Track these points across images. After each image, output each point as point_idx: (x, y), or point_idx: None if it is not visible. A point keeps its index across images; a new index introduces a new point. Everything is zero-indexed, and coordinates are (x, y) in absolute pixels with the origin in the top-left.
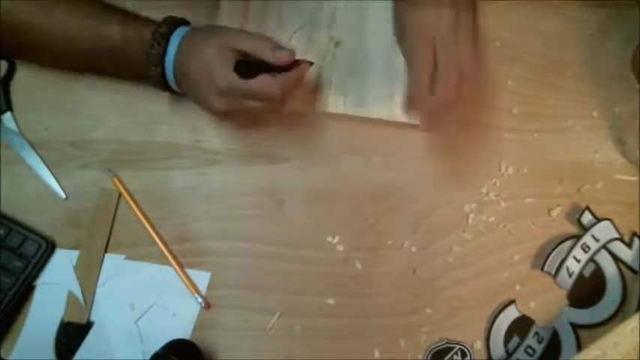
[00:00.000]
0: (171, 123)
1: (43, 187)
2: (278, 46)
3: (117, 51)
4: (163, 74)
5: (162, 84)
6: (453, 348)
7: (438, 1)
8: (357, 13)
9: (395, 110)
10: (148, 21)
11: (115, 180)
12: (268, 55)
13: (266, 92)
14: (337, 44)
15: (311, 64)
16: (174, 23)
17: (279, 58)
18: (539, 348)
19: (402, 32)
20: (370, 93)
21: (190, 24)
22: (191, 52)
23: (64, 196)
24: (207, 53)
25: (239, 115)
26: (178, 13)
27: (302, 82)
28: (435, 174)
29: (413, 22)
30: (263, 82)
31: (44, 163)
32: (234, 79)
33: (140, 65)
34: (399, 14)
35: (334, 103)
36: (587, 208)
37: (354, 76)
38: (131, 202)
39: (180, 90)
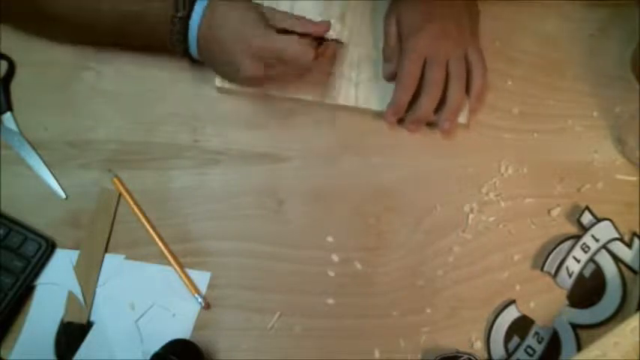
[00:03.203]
0: (171, 123)
1: (43, 187)
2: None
3: (139, 15)
4: (185, 39)
5: (183, 50)
6: (460, 356)
7: (445, 32)
8: (368, 5)
9: None
10: None
11: (115, 180)
12: (306, 25)
13: (296, 50)
14: (348, 37)
15: (341, 43)
16: None
17: (316, 26)
18: (539, 348)
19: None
20: (380, 87)
21: None
22: (220, 17)
23: (64, 196)
24: (238, 15)
25: (268, 82)
26: None
27: (332, 58)
28: (435, 174)
29: (413, 46)
30: (293, 39)
31: (44, 163)
32: (266, 35)
33: (163, 31)
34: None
35: (345, 95)
36: (587, 208)
37: (365, 69)
38: (131, 202)
39: (202, 57)
